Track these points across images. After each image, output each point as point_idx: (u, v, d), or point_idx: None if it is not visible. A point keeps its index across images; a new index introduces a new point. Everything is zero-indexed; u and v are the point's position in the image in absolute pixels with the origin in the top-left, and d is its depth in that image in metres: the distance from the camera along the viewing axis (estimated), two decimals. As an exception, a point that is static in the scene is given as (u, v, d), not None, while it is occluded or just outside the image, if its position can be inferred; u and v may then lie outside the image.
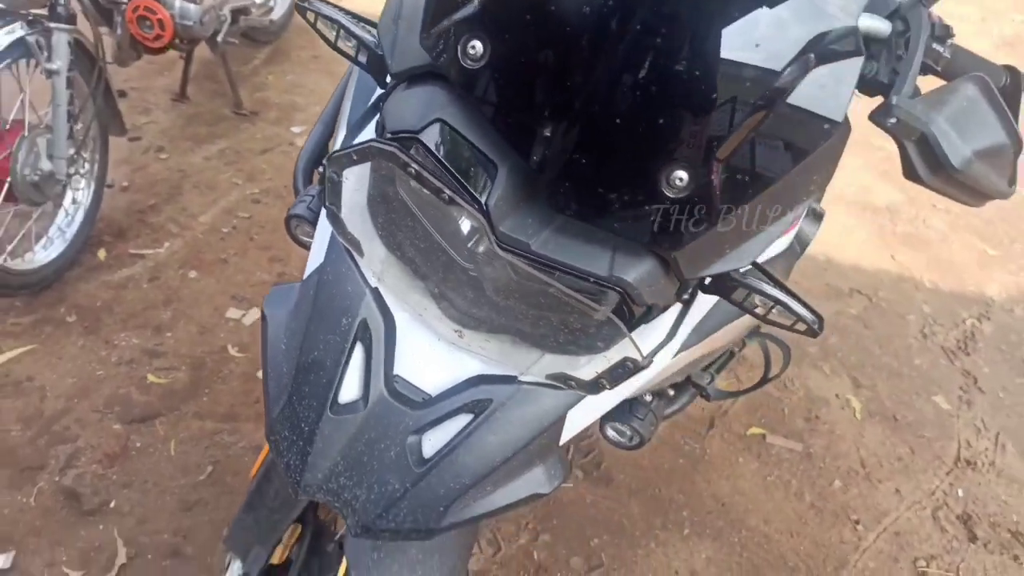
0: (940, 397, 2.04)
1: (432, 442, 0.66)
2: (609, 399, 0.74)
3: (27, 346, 1.85)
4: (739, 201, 0.57)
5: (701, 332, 0.79)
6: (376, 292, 0.68)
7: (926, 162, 0.84)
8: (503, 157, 0.58)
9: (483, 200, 0.58)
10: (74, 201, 2.09)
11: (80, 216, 2.09)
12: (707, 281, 0.68)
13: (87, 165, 2.07)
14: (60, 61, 1.77)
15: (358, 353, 0.67)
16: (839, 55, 0.55)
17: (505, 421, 0.67)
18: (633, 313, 0.64)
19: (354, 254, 0.67)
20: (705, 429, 1.87)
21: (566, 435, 0.72)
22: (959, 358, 2.16)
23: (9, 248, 1.89)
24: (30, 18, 1.74)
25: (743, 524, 1.68)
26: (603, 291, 0.60)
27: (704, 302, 0.76)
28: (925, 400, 2.02)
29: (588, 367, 0.65)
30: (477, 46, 0.55)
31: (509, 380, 0.67)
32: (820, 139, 0.57)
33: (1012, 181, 0.93)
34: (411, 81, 0.62)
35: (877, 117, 0.81)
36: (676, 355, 0.78)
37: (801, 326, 0.68)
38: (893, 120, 0.80)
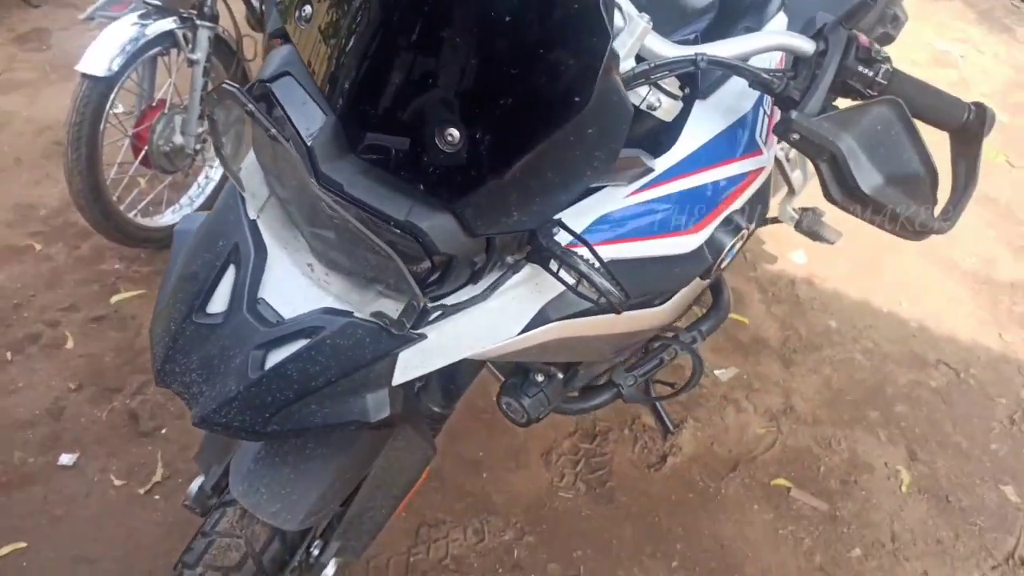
0: (1010, 488, 1.83)
1: (273, 357, 0.76)
2: (444, 352, 0.80)
3: (140, 290, 2.15)
4: (507, 162, 0.63)
5: (562, 309, 0.83)
6: (254, 223, 0.80)
7: (838, 183, 0.85)
8: (328, 110, 0.68)
9: (308, 142, 0.68)
10: (207, 177, 2.41)
11: (209, 190, 2.40)
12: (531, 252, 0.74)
13: (219, 146, 2.38)
14: (200, 52, 2.08)
15: (230, 273, 0.79)
16: (589, 35, 0.59)
17: (333, 348, 0.75)
18: (442, 269, 0.71)
19: (238, 188, 0.79)
20: (727, 470, 1.82)
21: (399, 376, 0.79)
22: (1049, 452, 1.93)
23: (140, 206, 2.22)
24: (184, 15, 2.06)
25: (738, 570, 1.62)
26: (404, 238, 0.68)
27: (550, 283, 0.80)
28: (990, 487, 1.83)
29: (396, 307, 0.72)
30: (307, 10, 0.66)
31: (347, 315, 0.76)
32: (571, 111, 0.61)
33: (948, 217, 0.89)
34: (285, 40, 0.73)
35: (778, 131, 0.83)
36: (524, 332, 0.82)
37: (604, 301, 0.71)
38: (795, 136, 0.82)
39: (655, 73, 0.81)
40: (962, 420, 2.00)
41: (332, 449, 0.94)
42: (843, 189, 0.84)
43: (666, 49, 0.81)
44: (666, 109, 0.86)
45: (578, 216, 0.79)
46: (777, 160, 1.71)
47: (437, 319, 0.77)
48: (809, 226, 1.87)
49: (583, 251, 0.72)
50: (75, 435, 1.75)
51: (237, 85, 0.68)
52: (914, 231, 0.88)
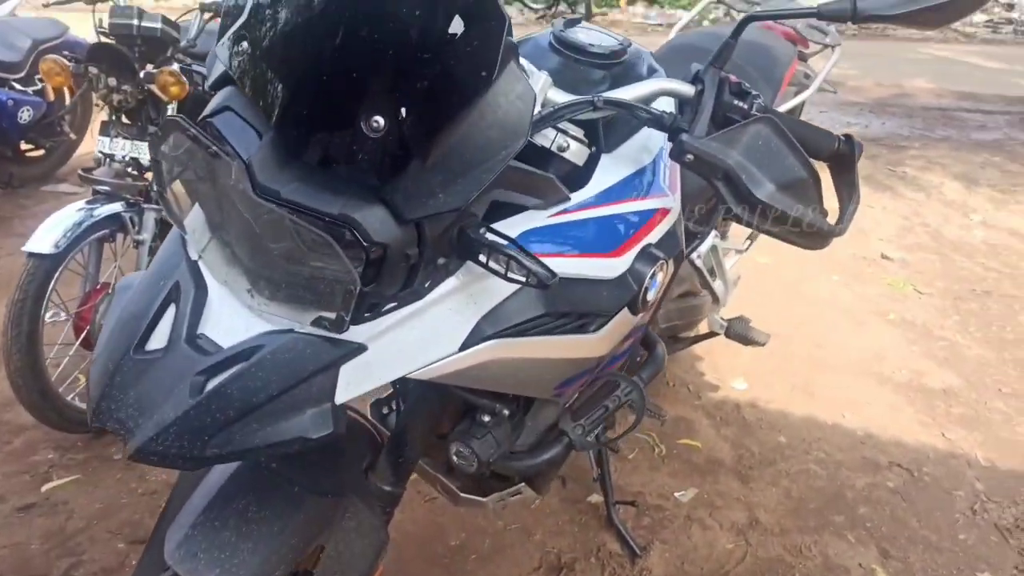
0: (987, 575, 1.78)
1: (213, 383, 0.77)
2: (386, 366, 0.82)
3: (75, 476, 2.06)
4: (428, 141, 0.71)
5: (498, 323, 0.87)
6: (195, 264, 0.84)
7: (735, 196, 0.95)
8: (267, 129, 0.76)
9: (246, 158, 0.75)
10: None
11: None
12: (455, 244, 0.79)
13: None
14: (147, 234, 2.18)
15: (170, 312, 0.81)
16: (488, 20, 0.70)
17: (273, 363, 0.77)
18: (377, 265, 0.76)
19: (179, 230, 0.84)
20: (701, 587, 1.73)
21: (343, 392, 0.79)
22: (1015, 536, 1.91)
23: (79, 389, 2.19)
24: (131, 200, 2.19)
25: None
26: (339, 230, 0.73)
27: (492, 289, 0.85)
28: (968, 576, 1.78)
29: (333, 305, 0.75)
30: (244, 46, 0.76)
31: (288, 332, 0.78)
32: (481, 86, 0.70)
33: (841, 221, 0.99)
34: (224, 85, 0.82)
35: (673, 155, 0.93)
36: (463, 349, 0.85)
37: (533, 279, 0.76)
38: (690, 157, 0.93)
39: (559, 115, 0.92)
40: (925, 515, 1.98)
41: (276, 512, 0.90)
42: (741, 201, 0.94)
43: (566, 99, 0.94)
44: (575, 152, 0.97)
45: (503, 230, 0.86)
46: (700, 272, 1.84)
47: (380, 333, 0.80)
48: (738, 332, 1.97)
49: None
50: (-8, 627, 1.59)
51: (182, 117, 0.76)
52: (814, 235, 0.97)
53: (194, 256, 0.84)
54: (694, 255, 1.75)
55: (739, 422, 2.34)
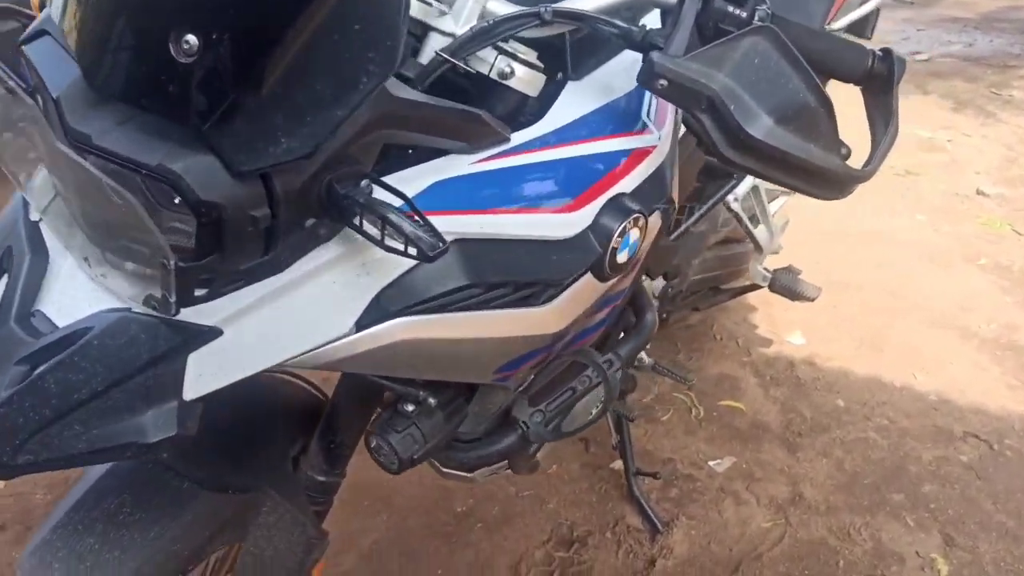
0: (1074, 571, 1.53)
1: (36, 372, 0.62)
2: (253, 354, 0.65)
3: None
4: (256, 67, 0.52)
5: (405, 298, 0.69)
6: (35, 226, 0.69)
7: (723, 133, 0.73)
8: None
9: (54, 95, 0.58)
10: None
11: None
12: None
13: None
14: None
15: (2, 283, 0.67)
16: None
17: (100, 350, 0.61)
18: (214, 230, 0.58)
19: (17, 188, 0.69)
20: (728, 572, 1.55)
21: (193, 387, 0.63)
22: (1114, 526, 1.63)
23: None
24: None
25: None
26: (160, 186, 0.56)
27: (393, 257, 0.67)
28: (1049, 572, 1.53)
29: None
30: None
31: (124, 311, 0.63)
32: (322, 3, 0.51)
33: (869, 163, 0.77)
34: None
35: (641, 79, 0.72)
36: (360, 330, 0.67)
37: (412, 249, 0.58)
38: (664, 83, 0.71)
39: (497, 31, 0.71)
40: (1003, 496, 1.72)
41: (155, 513, 0.76)
42: (731, 140, 0.72)
43: (510, 10, 0.73)
44: (524, 80, 0.76)
45: (405, 182, 0.67)
46: (739, 218, 1.59)
47: (239, 313, 0.63)
48: (784, 284, 1.72)
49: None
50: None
51: None
52: (828, 181, 0.74)
53: (34, 217, 0.69)
54: (730, 198, 1.51)
55: (792, 382, 2.10)
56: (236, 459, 0.85)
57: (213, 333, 0.63)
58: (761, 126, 0.71)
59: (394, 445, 0.82)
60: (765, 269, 1.74)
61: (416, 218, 0.61)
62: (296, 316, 0.66)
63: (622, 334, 1.11)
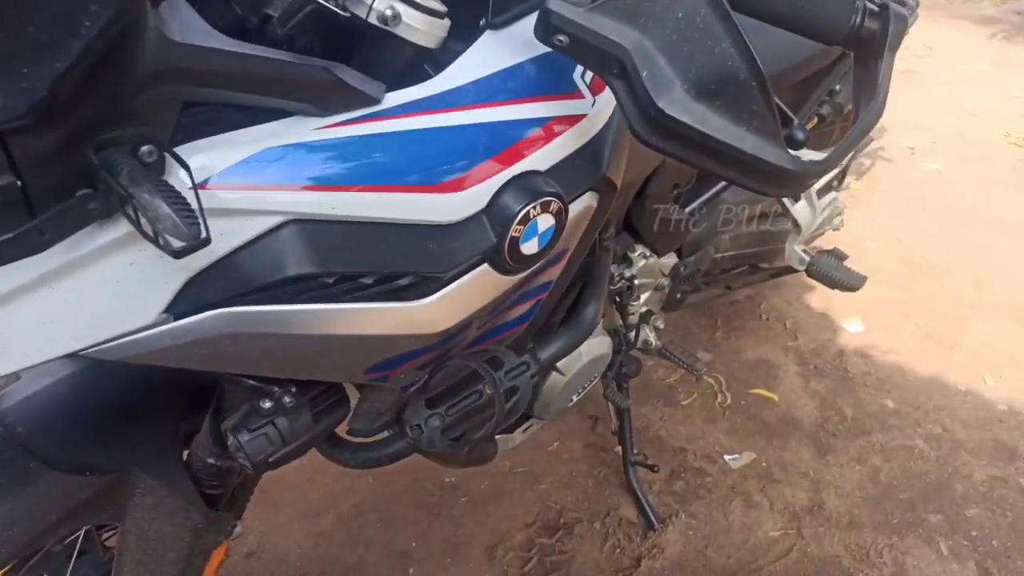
0: None
1: None
2: (31, 343, 0.56)
3: None
4: None
5: (228, 286, 0.58)
6: None
7: (636, 106, 0.59)
8: None
9: None
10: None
11: None
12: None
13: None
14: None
15: None
16: None
17: None
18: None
19: None
20: (724, 585, 1.41)
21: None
22: None
23: None
24: None
25: None
26: None
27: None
28: (1101, 629, 1.31)
29: None
30: None
31: None
32: None
33: (834, 150, 0.62)
34: None
35: (538, 33, 0.58)
36: (174, 319, 0.58)
37: (162, 240, 0.47)
38: (562, 39, 0.57)
39: None
40: (1064, 532, 1.49)
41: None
42: (644, 115, 0.58)
43: None
44: (414, 27, 0.63)
45: (230, 146, 0.56)
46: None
47: (10, 293, 0.54)
48: (822, 270, 1.52)
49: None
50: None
51: None
52: (768, 175, 0.59)
53: None
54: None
55: (838, 374, 1.89)
56: (100, 437, 0.78)
57: None
58: (675, 100, 0.56)
59: (243, 445, 0.73)
60: (805, 251, 1.53)
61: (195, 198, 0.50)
62: (87, 301, 0.56)
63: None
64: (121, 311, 0.57)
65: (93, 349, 0.58)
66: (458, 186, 0.64)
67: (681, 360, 1.43)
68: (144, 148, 0.51)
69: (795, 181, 0.59)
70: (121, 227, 0.55)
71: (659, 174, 1.15)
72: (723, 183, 1.35)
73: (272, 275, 0.59)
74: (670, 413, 1.78)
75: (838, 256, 1.55)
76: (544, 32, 0.57)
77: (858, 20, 0.61)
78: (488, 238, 0.66)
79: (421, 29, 0.63)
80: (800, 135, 0.60)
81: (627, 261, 1.29)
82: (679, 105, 0.55)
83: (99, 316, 0.57)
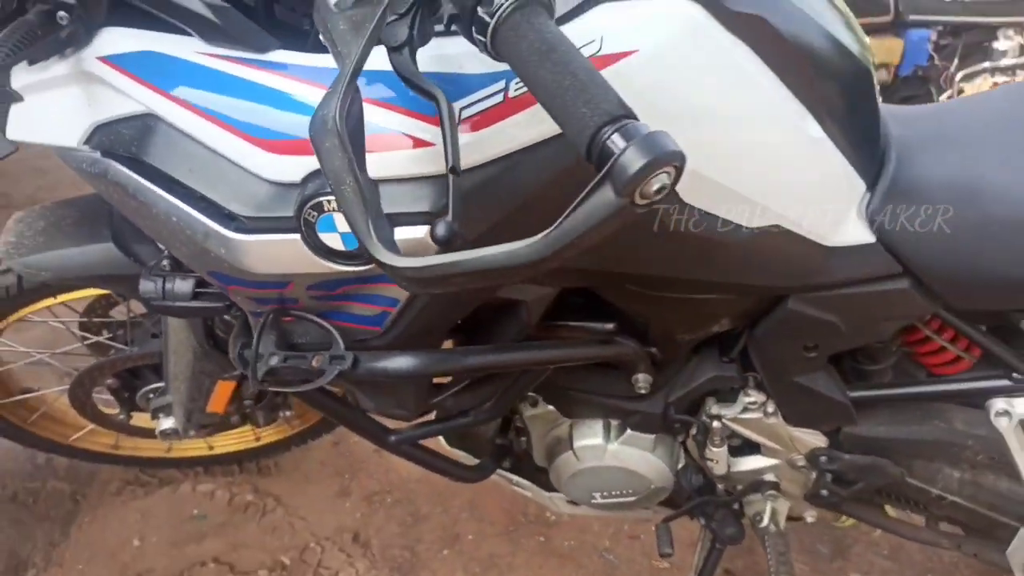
0: None
1: None
2: (53, 130, 0.71)
3: None
4: None
5: (116, 144, 0.71)
6: None
7: None
8: None
9: None
10: None
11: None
12: None
13: None
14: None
15: None
16: None
17: None
18: None
19: None
20: None
21: (12, 130, 0.71)
22: None
23: None
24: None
25: None
26: None
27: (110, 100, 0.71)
28: None
29: None
30: None
31: None
32: None
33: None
34: None
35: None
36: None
37: None
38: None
39: None
40: None
41: None
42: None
43: None
44: None
45: (127, 37, 0.67)
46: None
47: (39, 83, 0.69)
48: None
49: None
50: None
51: None
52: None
53: None
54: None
55: None
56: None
57: (14, 97, 0.69)
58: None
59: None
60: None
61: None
62: (57, 111, 0.70)
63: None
64: (63, 129, 0.71)
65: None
66: (281, 150, 0.66)
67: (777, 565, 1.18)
68: (60, 14, 0.62)
69: (400, 279, 0.50)
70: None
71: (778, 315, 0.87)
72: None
73: (133, 150, 0.69)
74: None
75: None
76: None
77: (594, 136, 0.46)
78: (289, 207, 0.67)
79: None
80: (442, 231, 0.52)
81: (729, 396, 1.01)
82: None
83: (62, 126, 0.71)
